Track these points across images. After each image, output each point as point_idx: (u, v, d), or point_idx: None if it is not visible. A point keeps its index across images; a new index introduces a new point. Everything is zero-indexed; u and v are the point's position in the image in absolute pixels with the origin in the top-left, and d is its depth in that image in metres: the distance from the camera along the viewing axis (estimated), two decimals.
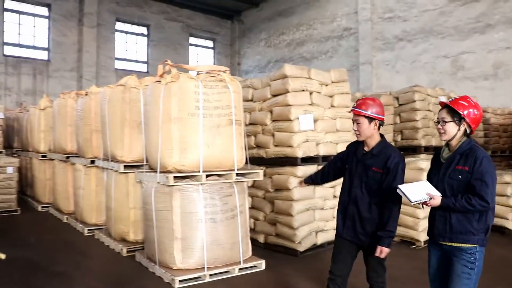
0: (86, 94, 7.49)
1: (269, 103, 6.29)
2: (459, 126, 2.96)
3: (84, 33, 16.01)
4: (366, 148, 3.45)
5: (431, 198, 2.85)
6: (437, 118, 3.09)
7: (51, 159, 9.07)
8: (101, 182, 7.04)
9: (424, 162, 6.53)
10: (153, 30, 18.52)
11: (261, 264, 5.35)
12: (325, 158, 6.28)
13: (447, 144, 3.08)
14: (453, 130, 2.98)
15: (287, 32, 17.81)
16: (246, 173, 5.33)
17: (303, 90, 6.09)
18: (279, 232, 6.09)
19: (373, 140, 3.39)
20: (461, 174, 2.88)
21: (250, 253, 5.45)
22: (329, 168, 3.87)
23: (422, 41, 13.09)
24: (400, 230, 6.49)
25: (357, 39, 14.69)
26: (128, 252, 5.92)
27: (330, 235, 6.28)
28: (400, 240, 6.66)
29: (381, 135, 3.44)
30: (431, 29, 13.00)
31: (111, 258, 5.90)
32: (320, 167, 6.03)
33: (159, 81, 5.18)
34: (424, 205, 2.91)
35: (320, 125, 6.24)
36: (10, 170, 9.12)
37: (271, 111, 6.29)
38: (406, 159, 6.95)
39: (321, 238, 6.22)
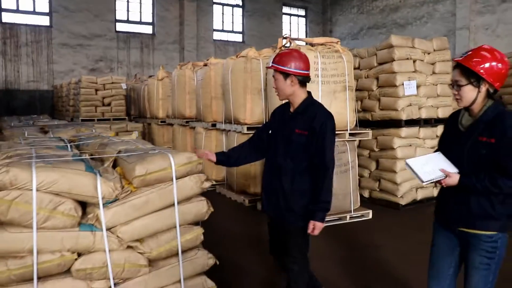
0: (205, 65, 8.46)
1: (375, 70, 6.87)
2: (478, 87, 2.32)
3: (185, 7, 17.17)
4: (291, 109, 2.96)
5: (446, 176, 2.34)
6: (451, 80, 2.47)
7: (170, 124, 10.27)
8: (220, 142, 8.03)
9: None
10: (247, 1, 19.31)
11: (369, 214, 6.08)
12: (426, 120, 6.78)
13: (467, 108, 2.43)
14: (471, 94, 2.34)
15: None
16: (357, 133, 6.01)
17: (408, 59, 6.59)
18: (383, 187, 6.76)
19: (298, 99, 2.90)
20: (485, 148, 2.29)
21: (359, 204, 6.21)
22: (251, 143, 3.18)
23: None
24: None
25: (454, 3, 14.40)
26: (249, 202, 6.87)
27: (429, 192, 6.87)
28: None
29: (308, 93, 2.95)
30: None
31: (236, 207, 6.88)
32: (422, 129, 6.61)
33: None
34: (438, 184, 2.41)
35: (423, 91, 6.72)
36: (136, 133, 10.47)
37: (377, 78, 6.88)
38: None
39: (421, 194, 6.79)
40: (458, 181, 2.33)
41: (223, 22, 19.03)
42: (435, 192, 6.91)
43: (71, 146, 3.92)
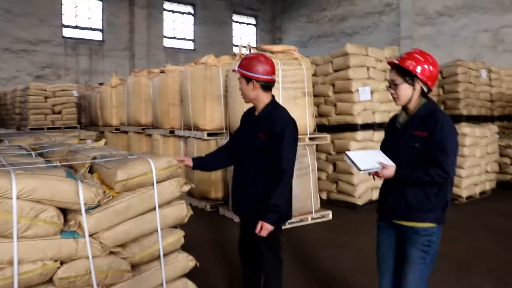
0: (162, 72, 8.44)
1: (331, 77, 7.15)
2: (414, 86, 2.51)
3: (136, 13, 16.93)
4: (256, 113, 3.03)
5: (383, 168, 2.46)
6: (388, 82, 2.66)
7: (125, 132, 10.09)
8: (178, 149, 8.01)
9: (467, 129, 7.27)
10: (198, 9, 19.31)
11: (329, 214, 6.31)
12: (380, 124, 7.11)
13: (404, 107, 2.62)
14: (407, 93, 2.53)
15: (329, 8, 18.32)
16: (316, 137, 6.22)
17: (362, 66, 6.90)
18: (340, 189, 7.02)
19: (261, 103, 2.97)
20: (419, 141, 2.47)
21: (319, 205, 6.41)
22: (227, 149, 3.24)
23: (463, 16, 13.55)
24: None
25: (398, 15, 15.19)
26: (211, 207, 6.90)
27: None
28: None
29: (272, 97, 3.03)
30: (472, 4, 13.39)
31: (198, 213, 6.83)
32: (376, 133, 6.92)
33: None
34: (376, 176, 2.51)
35: (376, 96, 7.06)
36: (89, 141, 10.22)
37: (333, 84, 7.15)
38: None
39: (376, 194, 7.06)
40: (394, 172, 2.46)
41: (174, 29, 18.92)
42: None
43: (35, 154, 3.83)
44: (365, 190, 6.90)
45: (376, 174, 2.49)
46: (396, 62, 2.55)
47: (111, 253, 2.65)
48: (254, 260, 3.13)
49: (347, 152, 2.52)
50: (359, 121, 6.81)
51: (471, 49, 13.35)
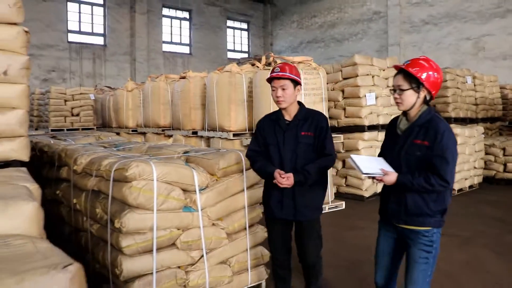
0: (183, 78, 9.24)
1: (341, 84, 8.09)
2: (418, 93, 2.54)
3: (136, 19, 17.65)
4: (287, 117, 3.20)
5: (385, 174, 2.55)
6: (393, 85, 2.67)
7: (142, 133, 10.80)
8: None
9: (458, 129, 8.30)
10: (194, 15, 20.14)
11: (342, 204, 7.22)
12: (383, 126, 8.07)
13: (405, 113, 2.67)
14: (411, 99, 2.55)
15: (319, 15, 19.31)
16: (333, 137, 7.13)
17: (368, 74, 7.86)
18: (349, 183, 7.95)
19: (294, 107, 3.19)
20: (420, 150, 2.53)
21: (334, 196, 7.32)
22: (264, 154, 3.31)
23: (446, 24, 14.71)
24: None
25: (386, 22, 16.26)
26: None
27: None
28: None
29: (299, 102, 3.26)
30: (455, 13, 14.56)
31: None
32: (380, 133, 7.87)
33: (268, 69, 6.94)
34: (377, 181, 2.62)
35: (380, 101, 8.03)
36: (172, 139, 10.78)
37: (342, 91, 8.09)
38: None
39: (381, 186, 8.03)
40: (395, 179, 2.53)
41: (171, 34, 19.65)
42: None
43: (116, 149, 4.62)
44: (371, 184, 7.85)
45: (377, 179, 2.59)
46: (403, 67, 2.60)
47: (213, 224, 3.50)
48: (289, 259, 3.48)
49: (352, 156, 2.67)
50: (366, 123, 7.77)
51: (454, 55, 14.52)
